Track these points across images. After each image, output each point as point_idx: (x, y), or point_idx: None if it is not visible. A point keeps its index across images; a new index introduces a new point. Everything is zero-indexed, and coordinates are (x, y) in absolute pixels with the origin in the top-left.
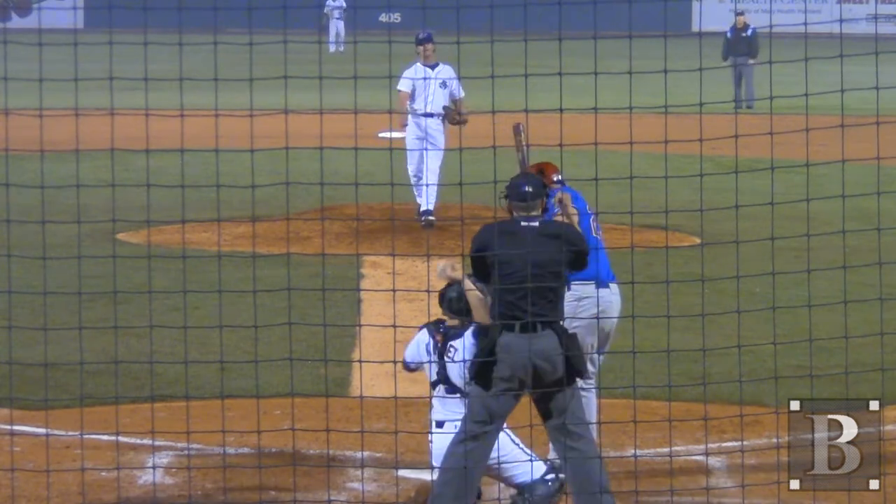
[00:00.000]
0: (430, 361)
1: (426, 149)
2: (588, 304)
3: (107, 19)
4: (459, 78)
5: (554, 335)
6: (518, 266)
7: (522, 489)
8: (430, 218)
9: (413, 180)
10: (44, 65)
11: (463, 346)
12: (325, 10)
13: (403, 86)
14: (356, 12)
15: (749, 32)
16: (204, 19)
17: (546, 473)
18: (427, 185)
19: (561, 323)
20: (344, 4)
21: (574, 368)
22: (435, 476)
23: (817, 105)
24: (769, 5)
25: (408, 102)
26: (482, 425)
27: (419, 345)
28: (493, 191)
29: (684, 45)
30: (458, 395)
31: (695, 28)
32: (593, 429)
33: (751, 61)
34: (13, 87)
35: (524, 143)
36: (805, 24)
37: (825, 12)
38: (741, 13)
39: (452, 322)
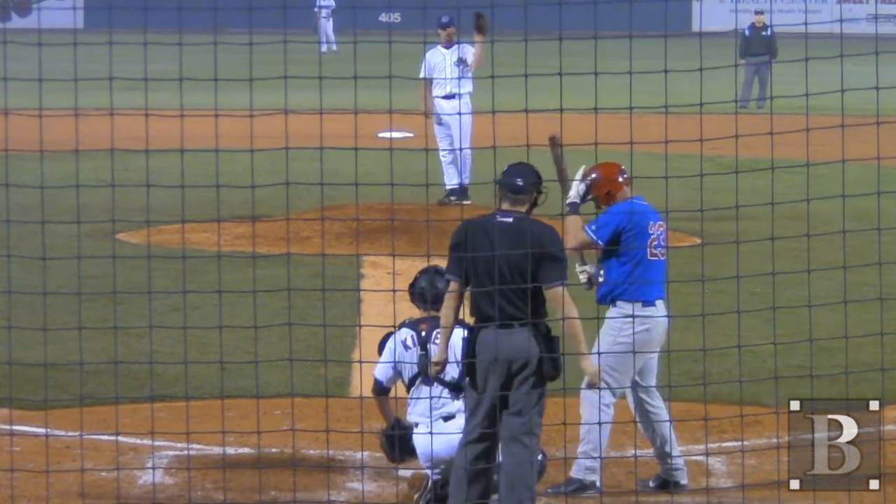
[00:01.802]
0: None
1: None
2: (636, 322)
3: (107, 19)
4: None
5: (526, 331)
6: (487, 264)
7: None
8: (452, 197)
9: (443, 163)
10: (44, 65)
11: (451, 345)
12: (314, 10)
13: (421, 73)
14: (356, 12)
15: (769, 32)
16: (204, 19)
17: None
18: (460, 161)
19: (543, 321)
20: (333, 4)
21: (544, 370)
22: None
23: (817, 105)
24: (769, 5)
25: (429, 90)
26: (483, 426)
27: (393, 350)
28: (493, 191)
29: (684, 45)
30: (441, 386)
31: (695, 28)
32: (669, 427)
33: (774, 62)
34: (13, 87)
35: (561, 155)
36: (805, 24)
37: (825, 12)
38: (761, 12)
39: (423, 314)
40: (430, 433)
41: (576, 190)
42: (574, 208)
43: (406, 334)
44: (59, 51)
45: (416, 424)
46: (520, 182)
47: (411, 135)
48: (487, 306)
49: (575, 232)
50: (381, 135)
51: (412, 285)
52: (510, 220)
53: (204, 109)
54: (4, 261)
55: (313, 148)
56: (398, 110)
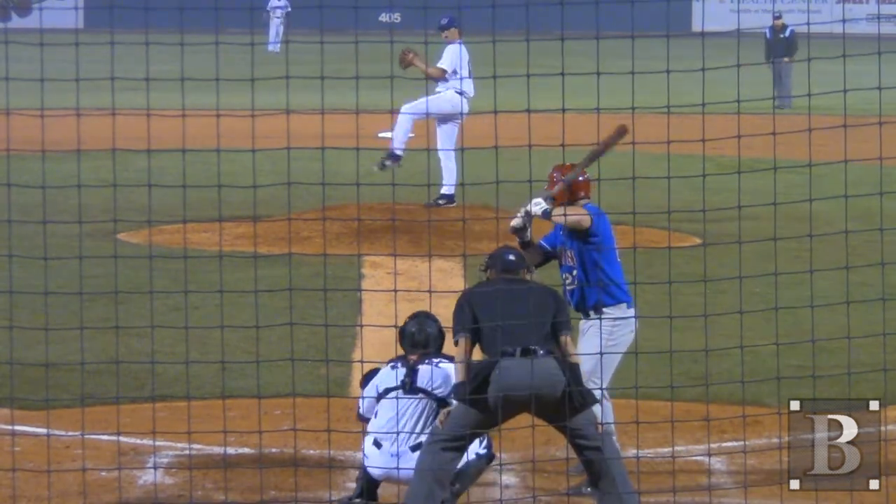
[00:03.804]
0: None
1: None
2: (622, 324)
3: (107, 19)
4: (467, 60)
5: (553, 359)
6: (504, 312)
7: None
8: (441, 201)
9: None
10: (45, 65)
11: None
12: (266, 9)
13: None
14: (357, 12)
15: (787, 34)
16: (205, 19)
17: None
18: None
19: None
20: (288, 6)
21: (573, 403)
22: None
23: (819, 105)
24: (770, 5)
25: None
26: (461, 437)
27: (375, 384)
28: (494, 191)
29: (685, 45)
30: (420, 395)
31: (695, 28)
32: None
33: (786, 59)
34: (14, 87)
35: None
36: (808, 24)
37: (825, 12)
38: (779, 17)
39: (412, 356)
40: (398, 454)
41: (530, 203)
42: (550, 211)
43: (393, 362)
44: (60, 51)
45: (376, 442)
46: (512, 258)
47: (411, 135)
48: (505, 343)
49: (579, 213)
50: (381, 135)
51: (402, 329)
52: (522, 284)
53: (205, 109)
54: (6, 261)
55: (314, 148)
56: (399, 110)
